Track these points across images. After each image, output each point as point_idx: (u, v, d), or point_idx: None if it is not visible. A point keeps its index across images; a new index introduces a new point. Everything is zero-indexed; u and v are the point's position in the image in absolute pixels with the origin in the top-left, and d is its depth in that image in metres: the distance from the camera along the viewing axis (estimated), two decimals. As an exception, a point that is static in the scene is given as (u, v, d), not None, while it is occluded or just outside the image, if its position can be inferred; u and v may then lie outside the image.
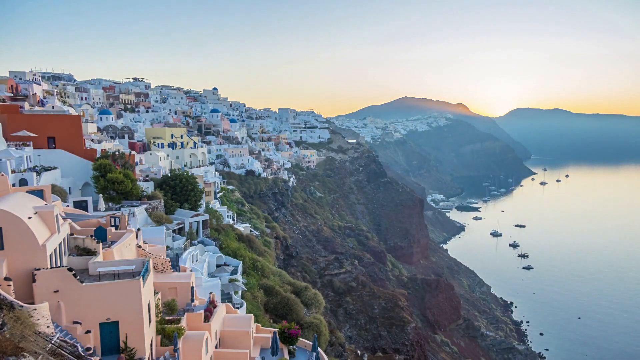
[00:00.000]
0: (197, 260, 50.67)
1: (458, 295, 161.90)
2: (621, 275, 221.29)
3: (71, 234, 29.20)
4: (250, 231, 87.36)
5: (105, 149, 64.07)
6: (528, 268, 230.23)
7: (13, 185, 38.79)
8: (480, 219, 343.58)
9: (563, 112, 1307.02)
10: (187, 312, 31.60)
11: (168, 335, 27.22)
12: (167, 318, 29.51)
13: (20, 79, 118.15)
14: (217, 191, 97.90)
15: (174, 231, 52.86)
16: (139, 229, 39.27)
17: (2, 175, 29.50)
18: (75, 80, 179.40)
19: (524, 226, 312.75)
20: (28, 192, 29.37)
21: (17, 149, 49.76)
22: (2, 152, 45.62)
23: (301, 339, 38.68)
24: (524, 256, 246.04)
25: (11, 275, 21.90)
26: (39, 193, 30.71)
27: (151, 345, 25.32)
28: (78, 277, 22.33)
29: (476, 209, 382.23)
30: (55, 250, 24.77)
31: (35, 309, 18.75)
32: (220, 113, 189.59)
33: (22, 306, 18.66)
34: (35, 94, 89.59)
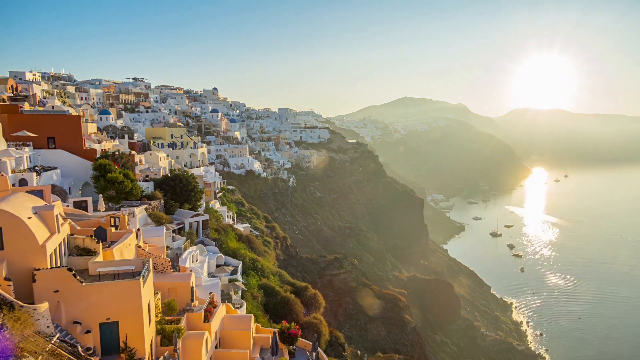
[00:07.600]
0: (197, 261, 50.67)
1: (458, 295, 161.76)
2: (621, 275, 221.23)
3: (71, 234, 29.20)
4: (250, 231, 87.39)
5: (105, 149, 64.05)
6: (523, 270, 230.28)
7: (13, 185, 38.79)
8: (480, 219, 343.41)
9: (563, 112, 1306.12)
10: (187, 312, 31.63)
11: (168, 335, 27.24)
12: (167, 318, 29.53)
13: (20, 79, 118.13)
14: (217, 191, 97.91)
15: (174, 231, 52.84)
16: (138, 229, 39.31)
17: (2, 175, 29.52)
18: (75, 81, 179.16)
19: (511, 226, 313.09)
20: (28, 192, 29.36)
21: (17, 149, 49.73)
22: (2, 152, 45.62)
23: (301, 339, 38.69)
24: (517, 256, 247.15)
25: (11, 275, 21.90)
26: (39, 193, 30.71)
27: (151, 345, 25.33)
28: (78, 277, 22.34)
29: (476, 209, 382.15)
30: (55, 250, 24.77)
31: (35, 309, 18.77)
32: (220, 113, 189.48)
33: (22, 306, 18.67)
34: (35, 94, 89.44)
